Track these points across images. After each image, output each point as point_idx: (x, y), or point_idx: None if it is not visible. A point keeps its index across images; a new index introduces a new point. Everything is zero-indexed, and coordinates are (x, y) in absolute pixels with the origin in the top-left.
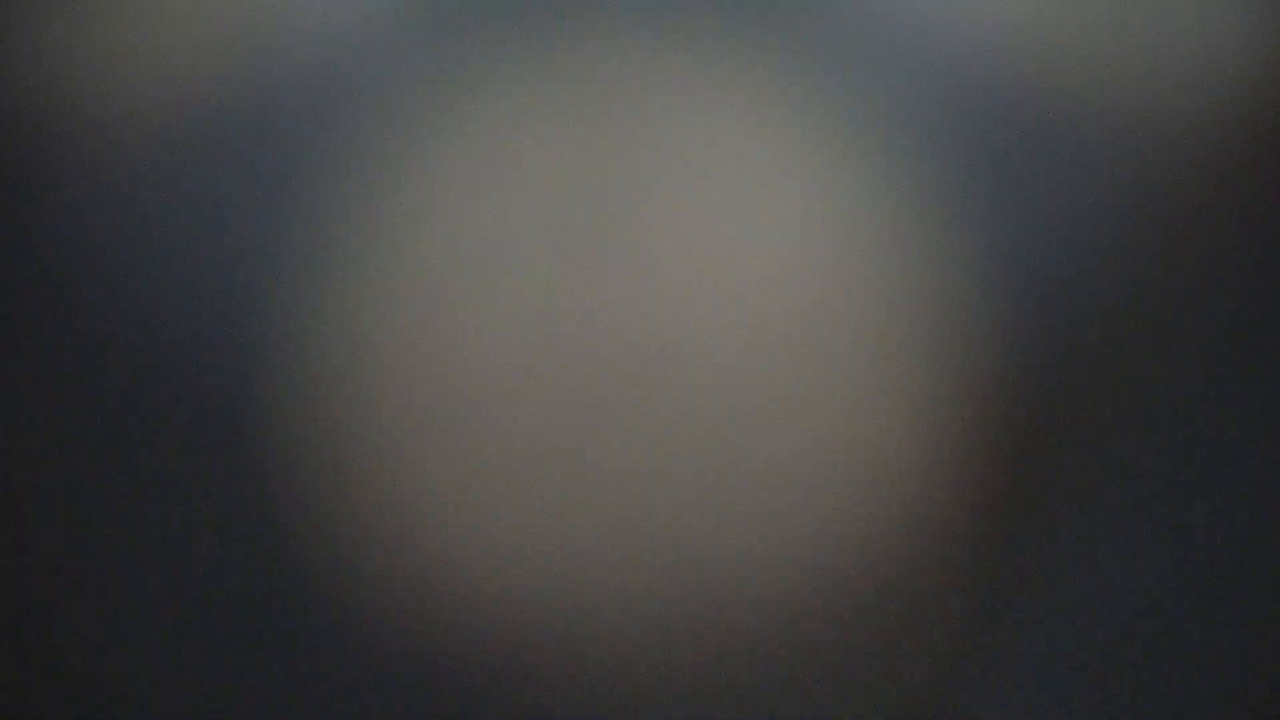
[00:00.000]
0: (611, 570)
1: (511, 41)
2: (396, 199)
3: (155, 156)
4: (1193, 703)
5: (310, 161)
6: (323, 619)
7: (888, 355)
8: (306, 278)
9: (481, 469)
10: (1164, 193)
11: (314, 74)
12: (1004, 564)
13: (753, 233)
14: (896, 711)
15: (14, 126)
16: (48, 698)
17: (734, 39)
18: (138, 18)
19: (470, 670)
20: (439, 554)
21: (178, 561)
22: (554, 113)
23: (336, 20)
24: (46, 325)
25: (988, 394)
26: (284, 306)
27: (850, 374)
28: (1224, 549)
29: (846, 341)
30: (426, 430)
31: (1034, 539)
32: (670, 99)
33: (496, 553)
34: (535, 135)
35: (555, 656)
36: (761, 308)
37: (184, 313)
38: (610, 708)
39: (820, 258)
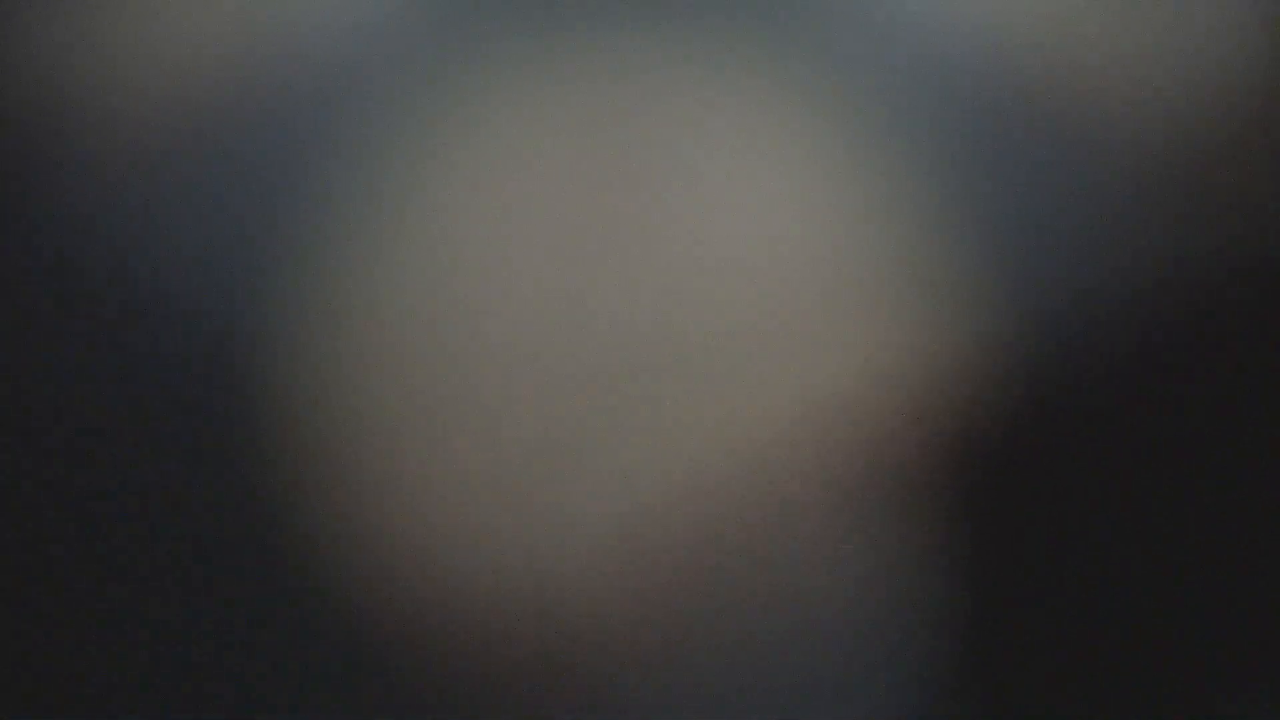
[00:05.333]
0: (610, 565)
1: (515, 40)
2: (399, 198)
3: (154, 156)
4: (1190, 702)
5: (313, 161)
6: (323, 615)
7: (887, 352)
8: (309, 275)
9: (485, 463)
10: (1164, 190)
11: (317, 72)
12: (1002, 562)
13: (755, 229)
14: (890, 710)
15: (13, 125)
16: (46, 694)
17: (736, 37)
18: (137, 17)
19: (471, 666)
20: (440, 548)
21: (176, 558)
22: (557, 111)
23: (339, 18)
24: (47, 323)
25: (987, 392)
26: (287, 303)
27: (849, 373)
28: (1224, 549)
29: (846, 340)
30: (429, 426)
31: (1032, 538)
32: (672, 97)
33: (499, 548)
34: (539, 133)
35: (554, 652)
36: (763, 305)
37: (184, 309)
38: (607, 702)
39: (821, 255)
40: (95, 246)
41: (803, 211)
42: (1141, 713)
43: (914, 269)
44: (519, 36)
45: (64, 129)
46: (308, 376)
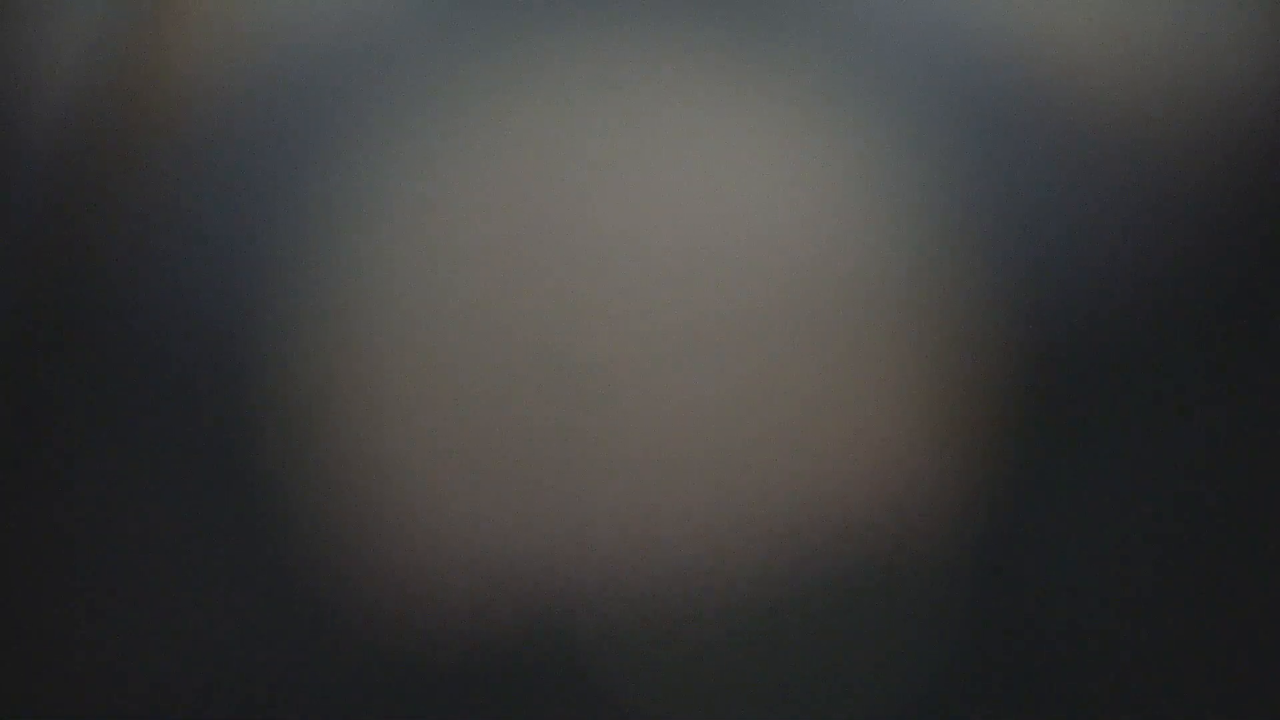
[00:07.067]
0: (599, 564)
1: (514, 39)
2: (397, 196)
3: (152, 154)
4: (1187, 702)
5: (311, 160)
6: (325, 614)
7: (884, 351)
8: (308, 272)
9: (472, 462)
10: (1166, 187)
11: (306, 72)
12: (1001, 560)
13: (747, 225)
14: (890, 709)
15: (14, 124)
16: (48, 693)
17: (728, 31)
18: (137, 15)
19: (471, 664)
20: (435, 548)
21: (175, 562)
22: (555, 109)
23: (328, 19)
24: (44, 323)
25: (986, 390)
26: (285, 300)
27: (845, 368)
28: (1224, 548)
29: (841, 336)
30: (417, 423)
31: (1031, 534)
32: (666, 92)
33: (492, 545)
34: (535, 132)
35: (553, 650)
36: (756, 302)
37: (182, 308)
38: (604, 699)
39: (818, 251)
40: (89, 245)
41: (805, 207)
42: (1142, 714)
43: (918, 266)
44: (516, 35)
45: (65, 131)
46: (307, 374)
